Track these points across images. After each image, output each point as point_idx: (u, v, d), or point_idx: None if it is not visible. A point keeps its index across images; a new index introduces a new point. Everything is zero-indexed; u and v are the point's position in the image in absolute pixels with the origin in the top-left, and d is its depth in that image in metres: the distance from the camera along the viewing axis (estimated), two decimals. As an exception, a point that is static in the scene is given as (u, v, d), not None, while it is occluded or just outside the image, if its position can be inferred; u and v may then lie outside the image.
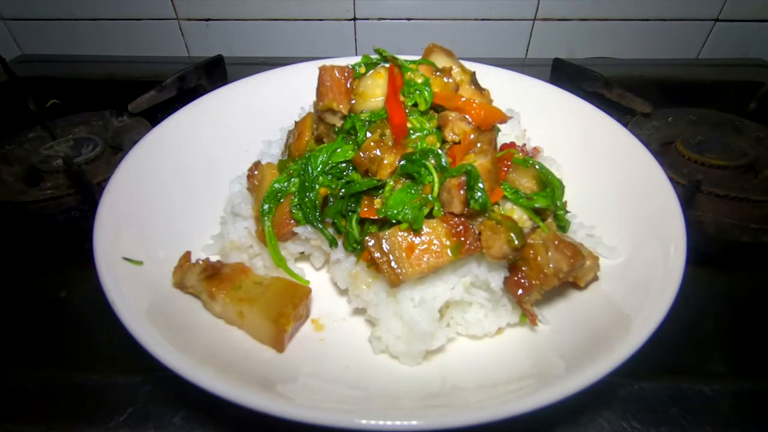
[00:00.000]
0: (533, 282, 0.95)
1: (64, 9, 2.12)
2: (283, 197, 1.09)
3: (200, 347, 0.89)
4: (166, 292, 0.98)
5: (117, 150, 1.56)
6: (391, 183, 0.99)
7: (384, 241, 0.92)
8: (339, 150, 1.06)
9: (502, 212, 0.97)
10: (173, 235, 1.10)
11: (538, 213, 1.01)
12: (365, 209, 0.99)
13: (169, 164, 1.21)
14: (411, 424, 0.69)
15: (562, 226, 1.07)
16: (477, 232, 0.94)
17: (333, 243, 1.05)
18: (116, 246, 0.96)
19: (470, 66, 1.20)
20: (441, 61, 1.16)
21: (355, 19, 2.13)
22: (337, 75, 1.08)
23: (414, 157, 0.98)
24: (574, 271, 0.95)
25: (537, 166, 1.05)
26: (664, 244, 0.97)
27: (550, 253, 0.94)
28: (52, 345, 1.06)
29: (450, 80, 1.10)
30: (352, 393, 0.88)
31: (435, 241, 0.92)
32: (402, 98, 1.07)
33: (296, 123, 1.24)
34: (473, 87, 1.13)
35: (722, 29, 2.13)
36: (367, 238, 0.95)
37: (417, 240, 0.92)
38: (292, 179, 1.09)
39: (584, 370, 0.76)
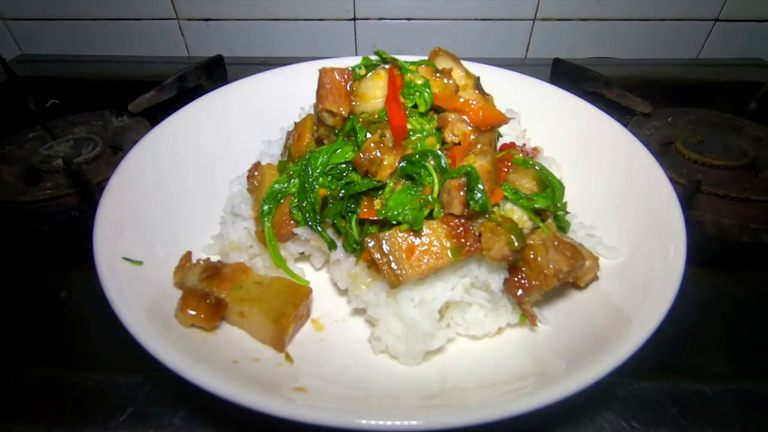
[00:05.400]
0: (533, 282, 0.95)
1: (65, 9, 2.12)
2: (283, 198, 1.09)
3: (200, 347, 0.89)
4: (166, 292, 0.98)
5: (117, 150, 1.56)
6: (391, 184, 0.99)
7: (384, 242, 0.92)
8: (339, 151, 1.06)
9: (503, 213, 0.97)
10: (173, 235, 1.10)
11: (538, 213, 1.02)
12: (365, 210, 0.99)
13: (169, 164, 1.21)
14: (411, 424, 0.69)
15: (563, 226, 1.07)
16: (477, 233, 0.94)
17: (332, 246, 1.05)
18: (116, 246, 0.96)
19: (473, 69, 1.20)
20: (445, 65, 1.16)
21: (355, 19, 2.13)
22: (337, 77, 1.08)
23: (414, 158, 0.98)
24: (574, 272, 0.96)
25: (537, 167, 1.05)
26: (664, 244, 0.97)
27: (549, 254, 0.94)
28: (52, 345, 1.06)
29: (450, 81, 1.10)
30: (352, 393, 0.88)
31: (435, 243, 0.92)
32: (402, 99, 1.07)
33: (296, 124, 1.24)
34: (477, 92, 1.13)
35: (722, 29, 2.14)
36: (367, 238, 0.95)
37: (417, 241, 0.92)
38: (292, 180, 1.09)
39: (584, 370, 0.76)
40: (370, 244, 0.93)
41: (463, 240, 0.92)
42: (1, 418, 0.93)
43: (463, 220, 0.94)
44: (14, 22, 2.18)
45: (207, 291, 0.97)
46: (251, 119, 1.42)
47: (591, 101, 1.39)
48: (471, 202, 0.91)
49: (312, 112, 1.24)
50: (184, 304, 0.92)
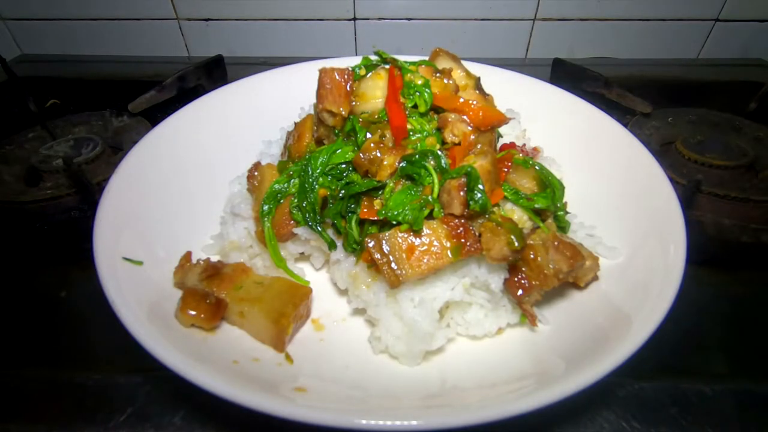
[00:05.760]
0: (533, 283, 0.95)
1: (64, 9, 2.12)
2: (283, 198, 1.09)
3: (200, 347, 0.89)
4: (166, 292, 0.98)
5: (117, 150, 1.56)
6: (391, 184, 0.99)
7: (384, 242, 0.92)
8: (339, 151, 1.06)
9: (503, 213, 0.97)
10: (173, 235, 1.10)
11: (539, 213, 1.01)
12: (365, 210, 0.99)
13: (169, 164, 1.21)
14: (411, 424, 0.69)
15: (563, 226, 1.07)
16: (477, 233, 0.94)
17: (332, 246, 1.05)
18: (116, 246, 0.96)
19: (473, 69, 1.20)
20: (446, 66, 1.15)
21: (355, 19, 2.13)
22: (337, 77, 1.08)
23: (414, 158, 0.98)
24: (574, 272, 0.96)
25: (537, 167, 1.05)
26: (664, 244, 0.97)
27: (549, 254, 0.94)
28: (52, 345, 1.07)
29: (450, 81, 1.10)
30: (352, 393, 0.88)
31: (435, 243, 0.92)
32: (402, 100, 1.07)
33: (296, 125, 1.24)
34: (477, 92, 1.13)
35: (722, 29, 2.14)
36: (367, 239, 0.95)
37: (417, 241, 0.92)
38: (292, 180, 1.09)
39: (584, 370, 0.76)
40: (370, 244, 0.93)
41: (463, 240, 0.92)
42: (1, 418, 0.93)
43: (463, 221, 0.93)
44: (14, 22, 2.18)
45: (207, 291, 0.97)
46: (251, 119, 1.42)
47: (591, 101, 1.39)
48: (471, 203, 0.91)
49: (312, 112, 1.24)
50: (184, 304, 0.92)
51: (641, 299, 0.90)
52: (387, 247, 0.92)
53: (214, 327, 0.95)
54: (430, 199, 0.95)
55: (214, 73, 1.97)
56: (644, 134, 1.59)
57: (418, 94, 1.07)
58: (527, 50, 2.23)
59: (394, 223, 0.94)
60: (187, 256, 1.05)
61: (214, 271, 1.02)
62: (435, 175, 0.96)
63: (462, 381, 0.91)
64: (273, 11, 2.12)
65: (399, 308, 0.95)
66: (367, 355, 0.98)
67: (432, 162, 0.98)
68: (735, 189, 1.31)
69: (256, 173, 1.16)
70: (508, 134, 1.33)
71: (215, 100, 1.41)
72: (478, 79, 1.16)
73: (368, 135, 1.04)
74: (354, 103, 1.09)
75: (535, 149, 1.33)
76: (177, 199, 1.17)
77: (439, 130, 1.06)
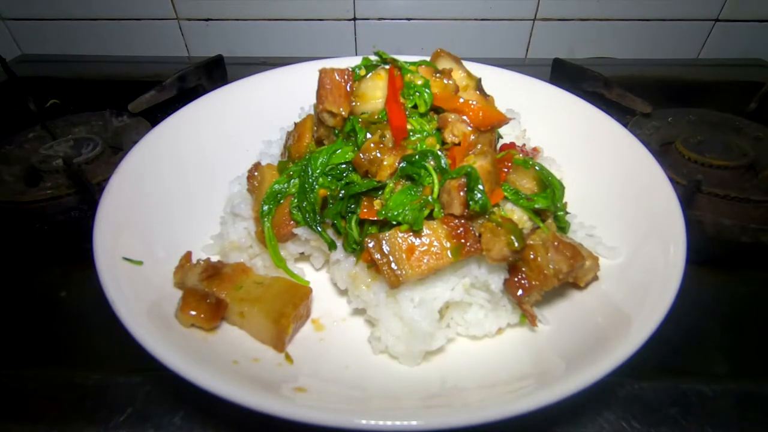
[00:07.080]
0: (533, 283, 0.95)
1: (65, 9, 2.12)
2: (283, 198, 1.09)
3: (200, 347, 0.89)
4: (166, 292, 0.98)
5: (117, 150, 1.56)
6: (391, 184, 0.99)
7: (384, 242, 0.92)
8: (339, 151, 1.06)
9: (503, 213, 0.97)
10: (173, 235, 1.10)
11: (539, 214, 1.02)
12: (365, 210, 0.99)
13: (169, 164, 1.21)
14: (411, 424, 0.69)
15: (563, 226, 1.07)
16: (477, 233, 0.94)
17: (332, 246, 1.05)
18: (116, 246, 0.96)
19: (473, 70, 1.20)
20: (447, 66, 1.15)
21: (355, 19, 2.13)
22: (337, 78, 1.08)
23: (414, 158, 0.98)
24: (574, 272, 0.96)
25: (537, 167, 1.05)
26: (664, 244, 0.97)
27: (549, 254, 0.94)
28: (52, 345, 1.06)
29: (450, 82, 1.10)
30: (352, 393, 0.88)
31: (435, 243, 0.92)
32: (402, 100, 1.07)
33: (296, 125, 1.24)
34: (478, 93, 1.13)
35: (722, 29, 2.14)
36: (367, 239, 0.95)
37: (417, 241, 0.92)
38: (292, 180, 1.09)
39: (584, 370, 0.76)
40: (370, 245, 0.93)
41: (463, 240, 0.92)
42: (1, 418, 0.93)
43: (463, 221, 0.93)
44: (14, 22, 2.18)
45: (207, 291, 0.97)
46: (251, 119, 1.42)
47: (591, 101, 1.39)
48: (471, 203, 0.91)
49: (312, 112, 1.24)
50: (184, 304, 0.92)
51: (641, 299, 0.90)
52: (387, 248, 0.92)
53: (214, 327, 0.95)
54: (430, 200, 0.95)
55: (214, 73, 1.97)
56: (644, 134, 1.59)
57: (418, 94, 1.07)
58: (527, 50, 2.23)
59: (394, 223, 0.94)
60: (187, 256, 1.05)
61: (214, 271, 1.02)
62: (435, 176, 0.96)
63: (462, 381, 0.91)
64: (273, 11, 2.12)
65: (399, 308, 0.95)
66: (367, 355, 0.98)
67: (432, 162, 0.98)
68: (735, 189, 1.31)
69: (256, 173, 1.16)
70: (508, 134, 1.33)
71: (215, 100, 1.41)
72: (479, 80, 1.16)
73: (368, 135, 1.04)
74: (354, 103, 1.09)
75: (535, 149, 1.33)
76: (177, 199, 1.17)
77: (439, 130, 1.06)
